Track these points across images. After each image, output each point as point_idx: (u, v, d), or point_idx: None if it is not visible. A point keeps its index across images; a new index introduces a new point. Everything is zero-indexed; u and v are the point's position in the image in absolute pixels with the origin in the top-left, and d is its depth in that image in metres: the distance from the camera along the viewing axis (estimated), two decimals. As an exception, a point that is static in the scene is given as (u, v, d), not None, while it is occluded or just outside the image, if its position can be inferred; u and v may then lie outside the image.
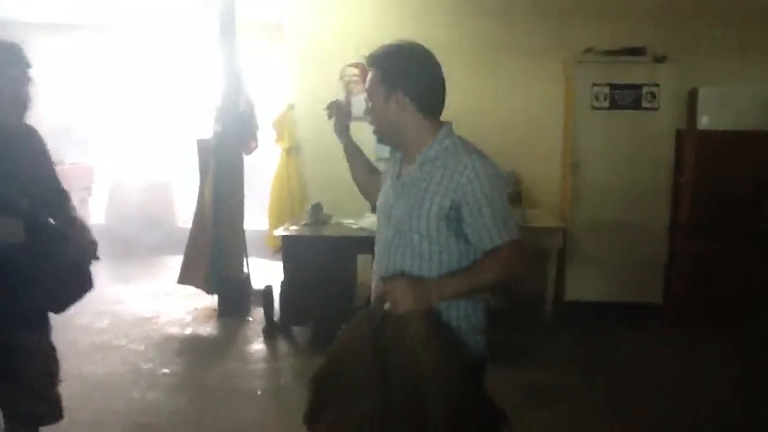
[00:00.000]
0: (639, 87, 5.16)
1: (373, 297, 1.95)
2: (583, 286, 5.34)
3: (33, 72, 2.23)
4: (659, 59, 5.13)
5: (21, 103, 2.21)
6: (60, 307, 2.37)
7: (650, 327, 5.08)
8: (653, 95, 5.15)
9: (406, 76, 1.89)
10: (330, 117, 2.30)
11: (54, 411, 2.40)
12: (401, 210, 1.92)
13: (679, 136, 5.22)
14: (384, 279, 1.86)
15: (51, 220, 2.35)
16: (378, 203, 2.08)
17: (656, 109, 5.15)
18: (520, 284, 5.15)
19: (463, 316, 1.92)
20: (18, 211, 2.18)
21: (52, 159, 2.48)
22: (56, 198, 2.46)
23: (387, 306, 1.76)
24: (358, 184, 2.36)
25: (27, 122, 2.33)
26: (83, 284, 2.42)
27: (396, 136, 1.97)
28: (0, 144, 2.19)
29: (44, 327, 2.40)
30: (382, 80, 1.90)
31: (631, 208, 5.26)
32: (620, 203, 5.26)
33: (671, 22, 5.44)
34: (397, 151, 2.06)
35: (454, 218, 1.85)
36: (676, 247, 5.23)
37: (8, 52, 2.17)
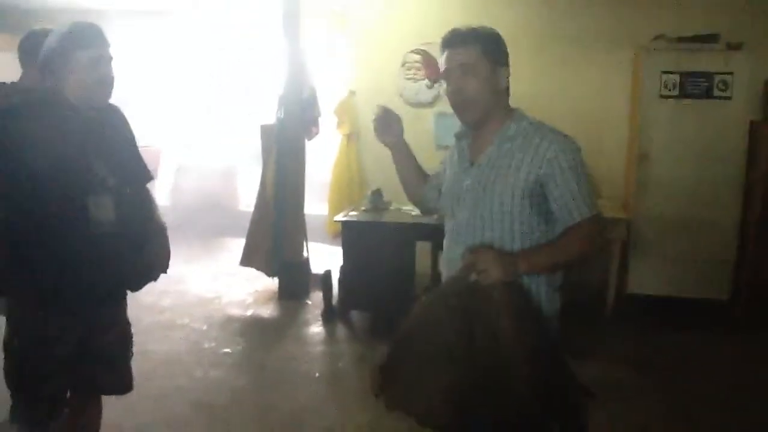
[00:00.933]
0: (711, 75, 4.96)
1: (452, 273, 1.92)
2: (646, 279, 5.21)
3: (113, 51, 2.23)
4: (734, 47, 4.92)
5: (106, 83, 2.22)
6: (138, 284, 2.44)
7: (714, 325, 4.91)
8: (726, 84, 4.94)
9: (505, 55, 1.96)
10: (378, 131, 2.19)
11: (124, 382, 2.48)
12: (481, 190, 1.93)
13: (753, 128, 5.00)
14: (471, 249, 1.84)
15: (135, 197, 2.39)
16: (444, 191, 2.09)
17: (729, 98, 4.94)
18: (581, 274, 5.08)
19: (545, 299, 1.95)
20: (107, 189, 2.23)
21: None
22: (141, 177, 2.50)
23: (474, 276, 1.76)
24: (405, 187, 2.33)
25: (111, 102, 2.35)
26: (161, 263, 2.49)
27: (484, 113, 1.96)
28: (88, 123, 2.22)
29: (123, 301, 2.46)
30: (485, 54, 1.92)
31: (699, 203, 5.08)
32: (688, 196, 5.09)
33: (748, 8, 5.20)
34: (462, 139, 2.06)
35: (537, 195, 1.87)
36: (747, 245, 5.03)
37: (89, 32, 2.18)
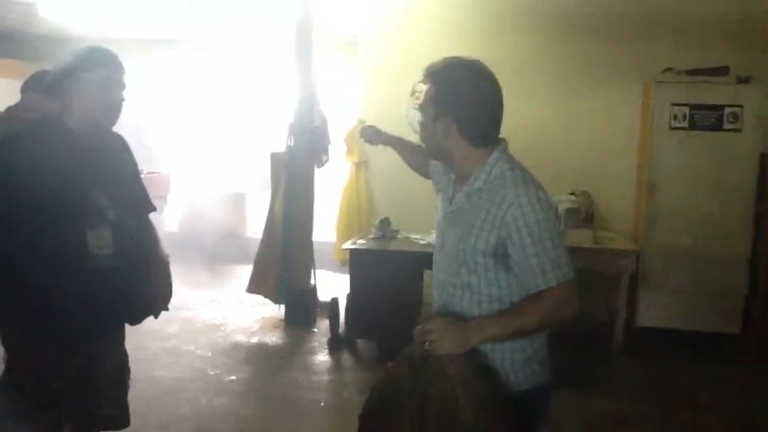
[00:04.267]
0: (721, 108, 4.98)
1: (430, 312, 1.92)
2: (656, 311, 5.15)
3: (126, 79, 2.21)
4: (743, 80, 4.94)
5: (114, 109, 2.18)
6: (137, 319, 2.37)
7: (727, 358, 4.85)
8: (736, 116, 4.95)
9: (457, 102, 1.80)
10: (367, 141, 2.55)
11: (123, 416, 2.42)
12: (451, 240, 1.86)
13: (764, 161, 5.00)
14: (425, 319, 1.79)
15: (136, 229, 2.32)
16: (436, 220, 2.02)
17: (739, 130, 4.96)
18: (588, 306, 5.04)
19: (519, 348, 1.82)
20: (106, 221, 2.17)
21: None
22: (143, 208, 2.44)
23: (426, 346, 1.71)
24: (416, 169, 2.36)
25: (116, 130, 2.30)
26: (162, 299, 2.42)
27: (443, 158, 1.92)
28: (88, 152, 2.18)
29: (121, 334, 2.41)
30: (434, 99, 1.82)
31: (709, 235, 5.05)
32: (698, 229, 5.06)
33: (757, 42, 5.23)
34: (451, 173, 1.97)
35: (501, 254, 1.76)
36: (758, 278, 4.98)
37: (102, 55, 2.16)
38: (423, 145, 1.98)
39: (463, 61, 1.85)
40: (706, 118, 5.01)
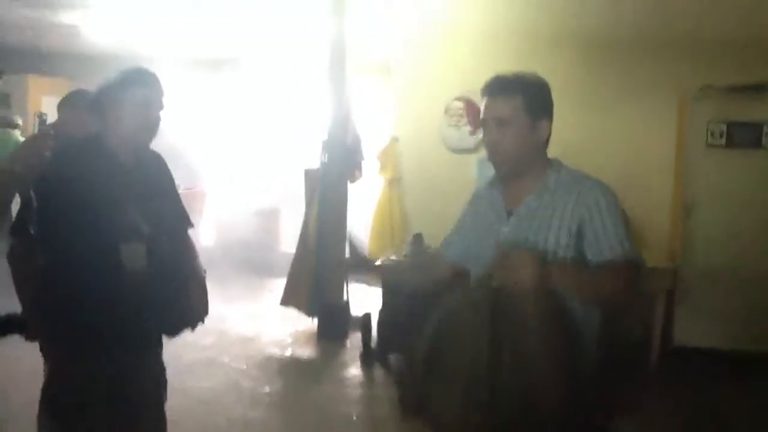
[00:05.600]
0: (760, 125, 4.91)
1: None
2: (695, 331, 5.03)
3: (165, 100, 2.26)
4: (782, 96, 4.87)
5: (151, 128, 2.23)
6: (174, 332, 2.41)
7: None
8: (775, 134, 4.88)
9: (548, 106, 1.91)
10: None
11: (161, 429, 2.46)
12: (523, 239, 1.85)
13: (804, 178, 4.91)
14: (505, 251, 1.75)
15: (172, 246, 2.35)
16: (473, 241, 2.00)
17: (779, 148, 4.88)
18: (623, 323, 4.97)
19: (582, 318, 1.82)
20: (140, 236, 2.21)
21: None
22: (179, 224, 2.48)
23: (503, 277, 1.65)
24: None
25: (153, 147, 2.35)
26: (198, 312, 2.44)
27: (521, 165, 1.91)
28: (125, 170, 2.23)
29: (157, 349, 2.45)
30: (525, 107, 1.85)
31: (750, 253, 4.95)
32: (738, 247, 4.97)
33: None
34: (494, 188, 1.99)
35: (574, 245, 1.82)
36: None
37: (144, 77, 2.22)
38: (491, 159, 1.95)
39: (530, 73, 1.92)
40: (745, 136, 4.94)
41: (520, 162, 1.90)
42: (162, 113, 2.26)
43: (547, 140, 1.93)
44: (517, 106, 1.85)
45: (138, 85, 2.19)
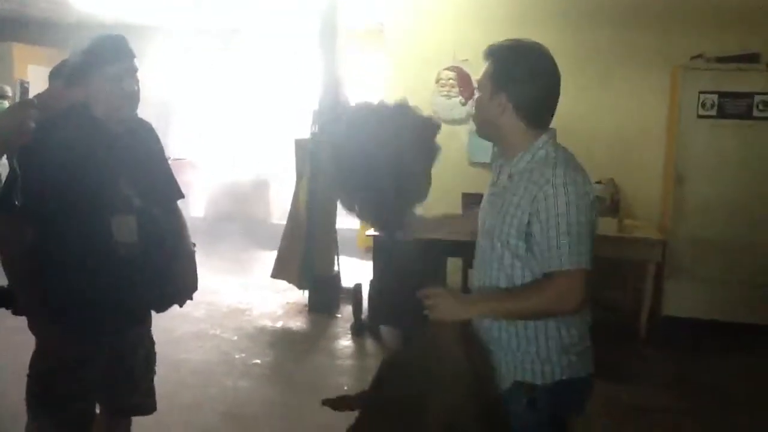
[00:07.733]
0: (751, 95, 4.90)
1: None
2: (683, 301, 5.10)
3: (137, 63, 2.17)
4: (775, 67, 4.86)
5: (132, 96, 2.16)
6: (162, 307, 2.37)
7: (758, 350, 4.77)
8: (766, 104, 4.86)
9: (515, 80, 1.79)
10: None
11: (150, 403, 2.46)
12: (491, 220, 1.86)
13: (795, 149, 4.91)
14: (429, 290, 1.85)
15: (162, 218, 2.29)
16: (480, 210, 2.02)
17: (770, 118, 4.87)
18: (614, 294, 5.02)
19: (553, 335, 1.80)
20: (131, 208, 2.17)
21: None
22: (169, 194, 2.43)
23: (425, 312, 1.80)
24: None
25: (139, 116, 2.28)
26: (187, 288, 2.42)
27: (493, 136, 1.90)
28: (114, 140, 2.17)
29: (147, 322, 2.42)
30: (492, 76, 1.81)
31: (738, 224, 4.99)
32: (726, 218, 5.00)
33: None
34: (499, 158, 1.97)
35: (525, 238, 1.76)
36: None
37: (113, 46, 2.13)
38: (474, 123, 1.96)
39: (524, 42, 1.85)
40: (736, 106, 4.93)
41: (486, 131, 1.91)
42: (138, 78, 2.17)
43: (525, 115, 1.80)
44: (486, 72, 1.84)
45: (108, 59, 2.10)
